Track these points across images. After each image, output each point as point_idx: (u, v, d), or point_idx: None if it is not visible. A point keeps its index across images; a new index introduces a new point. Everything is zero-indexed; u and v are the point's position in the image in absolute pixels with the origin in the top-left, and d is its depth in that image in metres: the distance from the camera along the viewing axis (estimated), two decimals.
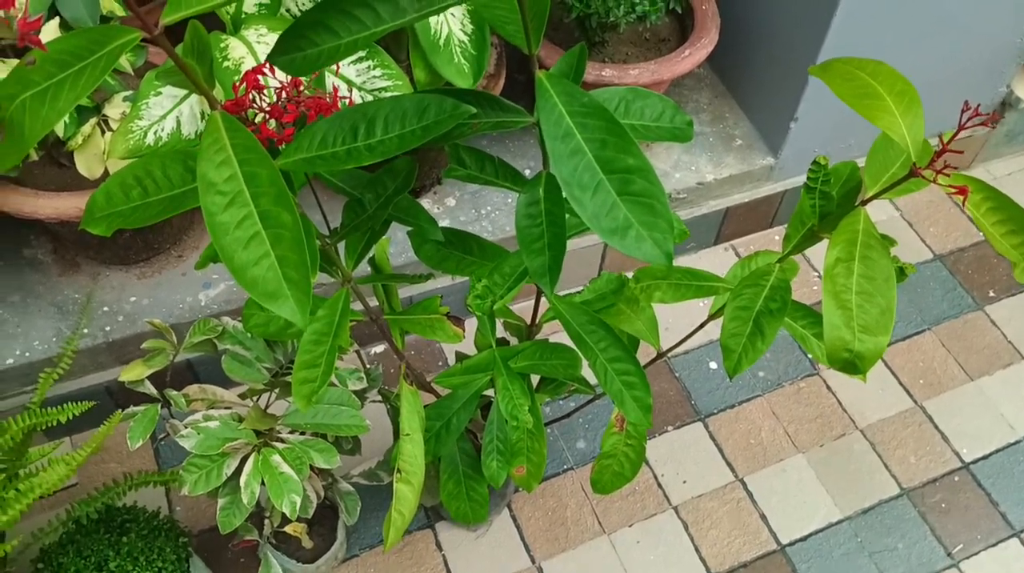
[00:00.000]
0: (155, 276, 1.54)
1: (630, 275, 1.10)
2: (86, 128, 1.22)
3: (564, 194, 0.67)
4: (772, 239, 1.98)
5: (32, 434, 1.09)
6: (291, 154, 0.72)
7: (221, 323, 1.02)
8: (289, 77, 0.79)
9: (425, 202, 1.69)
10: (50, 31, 1.16)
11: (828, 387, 1.75)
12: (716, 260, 1.94)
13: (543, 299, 1.15)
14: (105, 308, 1.49)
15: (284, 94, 0.81)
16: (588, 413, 1.67)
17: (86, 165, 1.24)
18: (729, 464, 1.64)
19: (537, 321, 1.18)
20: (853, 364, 0.76)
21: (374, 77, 1.26)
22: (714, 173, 1.80)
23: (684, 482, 1.61)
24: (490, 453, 1.16)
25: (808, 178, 0.84)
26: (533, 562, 1.49)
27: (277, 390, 1.06)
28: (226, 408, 0.99)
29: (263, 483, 0.94)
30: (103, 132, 1.25)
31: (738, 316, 0.93)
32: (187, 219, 1.58)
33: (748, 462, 1.64)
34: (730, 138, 1.85)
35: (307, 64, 0.65)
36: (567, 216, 0.80)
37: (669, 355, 1.76)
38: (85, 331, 1.46)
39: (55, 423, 1.07)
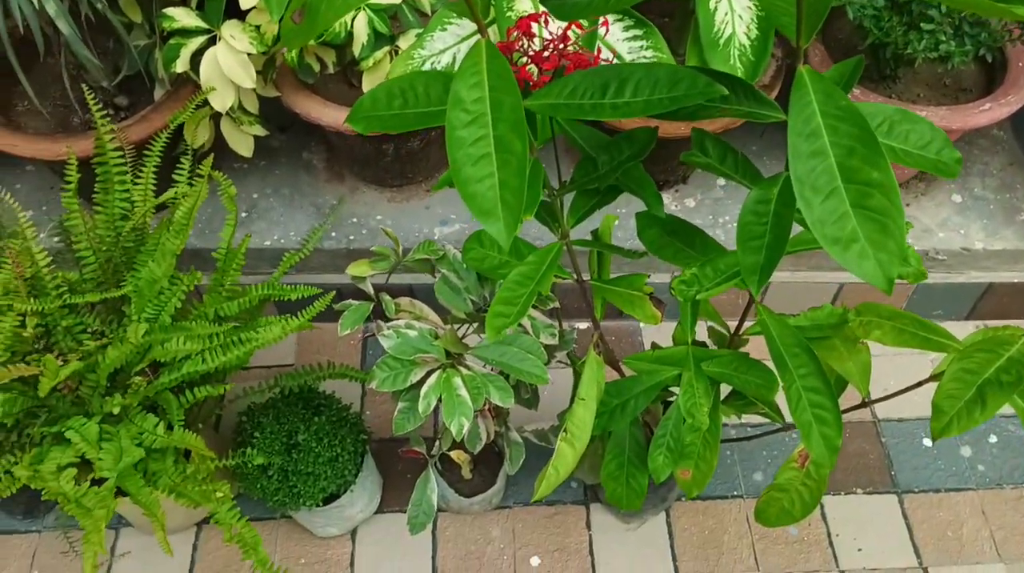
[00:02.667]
0: (402, 202, 1.67)
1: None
2: (378, 54, 1.35)
3: (794, 192, 0.65)
4: None
5: (266, 304, 1.24)
6: (540, 97, 0.76)
7: (443, 248, 1.10)
8: (559, 31, 0.83)
9: (665, 197, 1.68)
10: None
11: None
12: (961, 334, 1.76)
13: (751, 310, 1.11)
14: (354, 219, 1.64)
15: (551, 46, 0.84)
16: (773, 448, 1.59)
17: (371, 86, 1.36)
18: (916, 549, 1.49)
19: (741, 333, 1.15)
20: None
21: (644, 57, 1.27)
22: (985, 242, 1.63)
23: (859, 550, 1.49)
24: (659, 446, 1.15)
25: None
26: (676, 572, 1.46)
27: (475, 325, 1.12)
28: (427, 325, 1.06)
29: (440, 400, 1.00)
30: (391, 60, 1.37)
31: (961, 378, 0.85)
32: (443, 158, 1.69)
33: (938, 553, 1.49)
34: (1015, 210, 1.67)
35: (576, 10, 0.68)
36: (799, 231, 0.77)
37: (880, 419, 1.63)
38: (332, 234, 1.62)
39: (287, 299, 1.21)
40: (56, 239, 1.29)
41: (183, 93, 1.43)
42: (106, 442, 1.02)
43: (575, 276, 1.02)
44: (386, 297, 1.08)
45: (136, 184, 1.19)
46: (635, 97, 0.72)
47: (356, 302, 1.07)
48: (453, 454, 1.19)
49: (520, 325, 1.09)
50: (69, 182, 1.19)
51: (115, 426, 1.06)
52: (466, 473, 1.21)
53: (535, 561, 1.47)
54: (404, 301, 1.10)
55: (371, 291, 1.09)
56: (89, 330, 1.18)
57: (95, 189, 1.19)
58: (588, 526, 1.51)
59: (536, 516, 1.53)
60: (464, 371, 1.02)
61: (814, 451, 0.94)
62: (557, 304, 1.10)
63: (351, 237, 1.62)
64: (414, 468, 1.58)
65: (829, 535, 1.50)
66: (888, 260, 0.62)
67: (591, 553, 1.48)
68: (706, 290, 0.90)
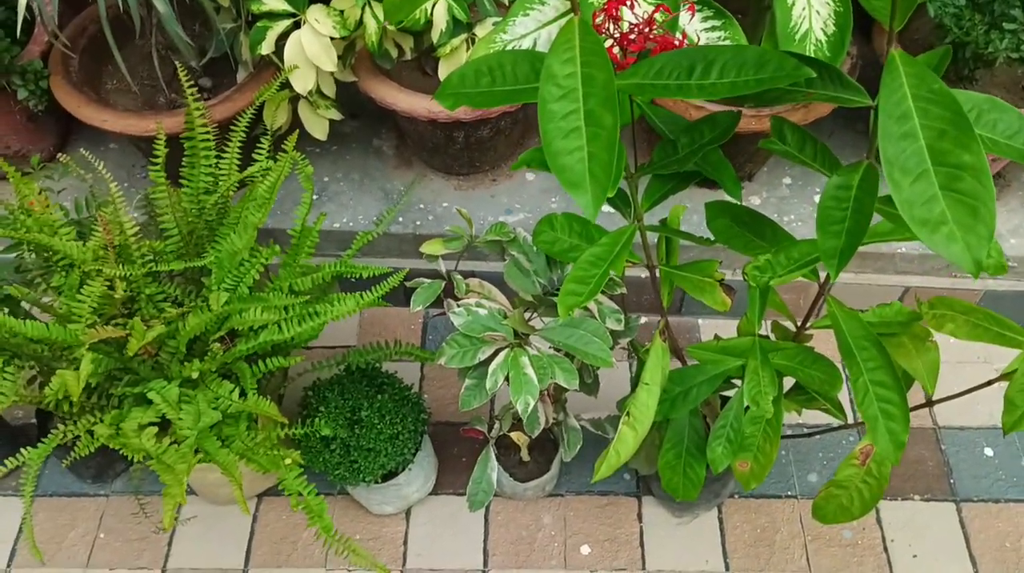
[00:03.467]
0: (468, 191, 1.70)
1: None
2: (456, 41, 1.38)
3: (884, 173, 0.65)
4: None
5: (335, 282, 1.27)
6: (627, 77, 0.77)
7: (514, 231, 1.12)
8: (644, 15, 0.84)
9: None
10: None
11: None
12: None
13: (818, 307, 1.11)
14: (421, 205, 1.68)
15: (637, 29, 0.86)
16: (829, 449, 1.58)
17: (447, 73, 1.39)
18: (973, 558, 1.47)
19: (808, 326, 1.15)
20: None
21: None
22: None
23: (914, 556, 1.47)
24: (719, 437, 1.15)
25: None
26: (727, 569, 1.46)
27: (541, 308, 1.14)
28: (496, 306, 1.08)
29: (507, 379, 1.02)
30: (467, 47, 1.39)
31: None
32: (510, 149, 1.71)
33: (995, 564, 1.46)
34: None
35: None
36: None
37: (941, 427, 1.61)
38: (399, 219, 1.65)
39: (356, 277, 1.24)
40: (140, 213, 1.34)
41: (265, 76, 1.48)
42: (185, 404, 1.06)
43: (645, 260, 1.03)
44: (457, 276, 1.10)
45: (221, 159, 1.23)
46: (721, 78, 0.74)
47: (428, 281, 1.10)
48: (513, 435, 1.21)
49: (587, 309, 1.11)
50: (157, 156, 1.24)
51: (193, 390, 1.10)
52: (524, 455, 1.23)
53: (585, 550, 1.48)
54: (474, 282, 1.12)
55: (442, 269, 1.12)
56: (169, 299, 1.22)
57: (182, 164, 1.24)
58: (639, 518, 1.52)
59: (588, 505, 1.54)
60: (531, 351, 1.04)
61: (879, 446, 0.94)
62: (624, 290, 1.11)
63: (417, 222, 1.65)
64: (469, 452, 1.60)
65: (884, 540, 1.49)
66: (977, 243, 0.63)
67: (641, 545, 1.49)
68: (779, 276, 0.91)
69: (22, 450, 1.12)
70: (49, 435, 1.15)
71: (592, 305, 1.10)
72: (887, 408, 0.94)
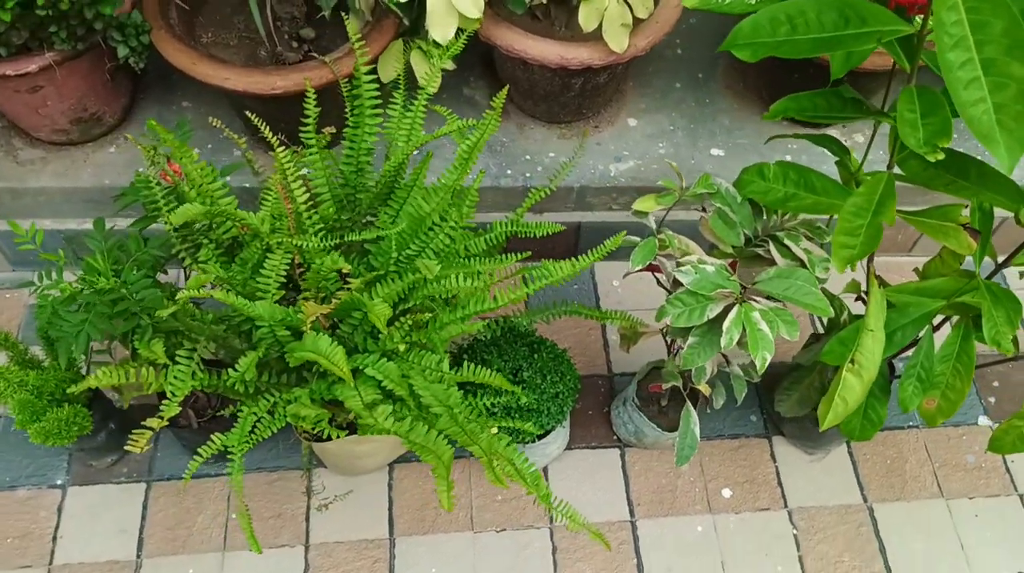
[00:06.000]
0: (573, 139, 1.65)
1: None
2: None
3: None
4: None
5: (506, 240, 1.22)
6: None
7: (718, 183, 1.09)
8: None
9: None
10: None
11: None
12: None
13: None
14: (527, 156, 1.62)
15: None
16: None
17: (587, 18, 1.33)
18: None
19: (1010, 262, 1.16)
20: None
21: None
22: None
23: None
24: (910, 377, 1.17)
25: None
26: (865, 501, 1.50)
27: (739, 261, 1.12)
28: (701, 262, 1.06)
29: (741, 336, 1.01)
30: None
31: None
32: (612, 95, 1.67)
33: None
34: None
35: None
36: None
37: None
38: (508, 171, 1.60)
39: (529, 235, 1.20)
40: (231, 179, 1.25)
41: (385, 25, 1.39)
42: (406, 380, 1.01)
43: None
44: (668, 231, 1.07)
45: (388, 118, 1.16)
46: None
47: (640, 239, 1.07)
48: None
49: (798, 258, 1.09)
50: (308, 116, 1.16)
51: (401, 363, 1.05)
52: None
53: (727, 493, 1.51)
54: (676, 237, 1.09)
55: (653, 226, 1.08)
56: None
57: (347, 123, 1.16)
58: (773, 458, 1.55)
59: (721, 449, 1.55)
60: (758, 305, 1.03)
61: None
62: (831, 239, 1.10)
63: (527, 174, 1.60)
64: (595, 405, 1.59)
65: (1005, 461, 1.55)
66: None
67: (779, 484, 1.52)
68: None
69: (214, 436, 1.06)
70: (238, 417, 1.08)
71: (802, 253, 1.09)
72: None
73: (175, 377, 1.06)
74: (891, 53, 0.87)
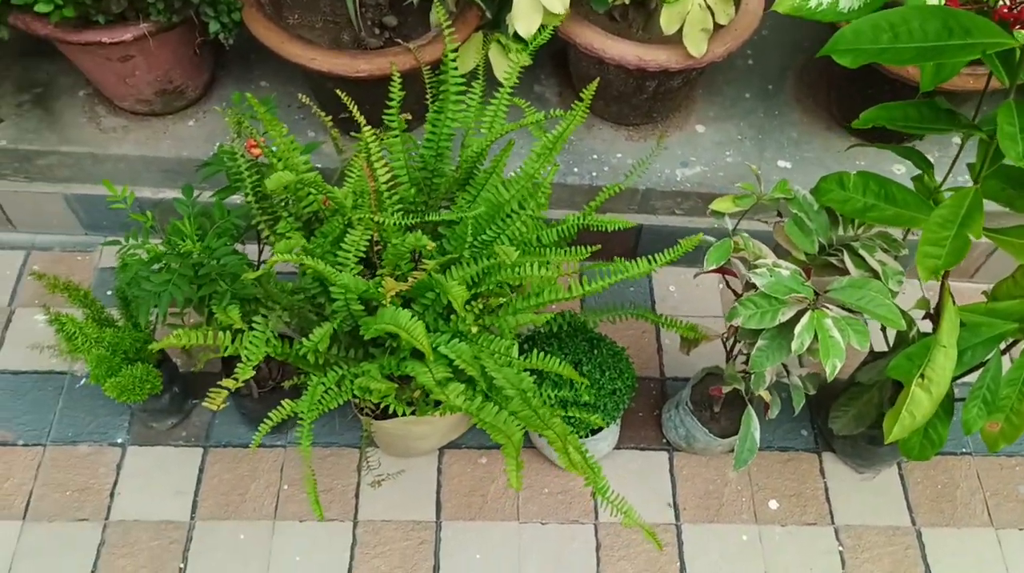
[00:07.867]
0: (640, 141, 1.66)
1: None
2: None
3: None
4: None
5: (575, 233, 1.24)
6: None
7: (796, 190, 1.09)
8: None
9: None
10: None
11: None
12: None
13: None
14: (594, 156, 1.63)
15: None
16: None
17: (668, 21, 1.35)
18: None
19: None
20: None
21: None
22: None
23: None
24: (975, 399, 1.16)
25: None
26: (914, 524, 1.49)
27: (812, 268, 1.13)
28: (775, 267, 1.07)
29: (811, 342, 1.01)
30: None
31: None
32: (682, 101, 1.68)
33: None
34: None
35: None
36: None
37: None
38: (575, 169, 1.61)
39: (599, 229, 1.21)
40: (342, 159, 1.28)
41: (468, 17, 1.41)
42: (477, 362, 1.03)
43: None
44: (744, 234, 1.08)
45: (466, 105, 1.18)
46: None
47: (715, 239, 1.07)
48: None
49: (872, 269, 1.10)
50: (392, 99, 1.18)
51: (471, 346, 1.07)
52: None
53: (773, 504, 1.50)
54: (752, 241, 1.10)
55: (729, 227, 1.09)
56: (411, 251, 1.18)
57: (430, 108, 1.18)
58: (822, 474, 1.54)
59: (770, 461, 1.55)
60: (830, 312, 1.03)
61: None
62: (907, 251, 1.10)
63: (593, 173, 1.61)
64: (645, 407, 1.60)
65: None
66: None
67: (827, 500, 1.51)
68: None
69: (284, 402, 1.09)
70: (307, 386, 1.11)
71: (876, 265, 1.09)
72: None
73: (251, 342, 1.09)
74: (991, 67, 0.87)
